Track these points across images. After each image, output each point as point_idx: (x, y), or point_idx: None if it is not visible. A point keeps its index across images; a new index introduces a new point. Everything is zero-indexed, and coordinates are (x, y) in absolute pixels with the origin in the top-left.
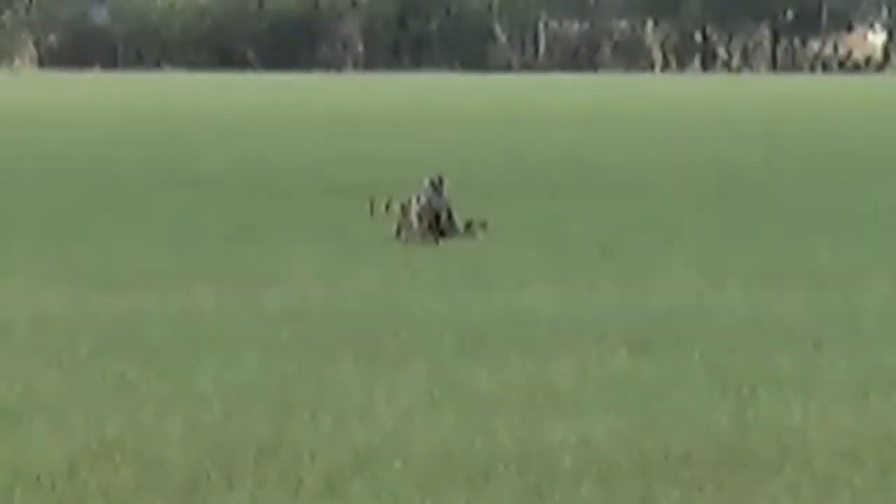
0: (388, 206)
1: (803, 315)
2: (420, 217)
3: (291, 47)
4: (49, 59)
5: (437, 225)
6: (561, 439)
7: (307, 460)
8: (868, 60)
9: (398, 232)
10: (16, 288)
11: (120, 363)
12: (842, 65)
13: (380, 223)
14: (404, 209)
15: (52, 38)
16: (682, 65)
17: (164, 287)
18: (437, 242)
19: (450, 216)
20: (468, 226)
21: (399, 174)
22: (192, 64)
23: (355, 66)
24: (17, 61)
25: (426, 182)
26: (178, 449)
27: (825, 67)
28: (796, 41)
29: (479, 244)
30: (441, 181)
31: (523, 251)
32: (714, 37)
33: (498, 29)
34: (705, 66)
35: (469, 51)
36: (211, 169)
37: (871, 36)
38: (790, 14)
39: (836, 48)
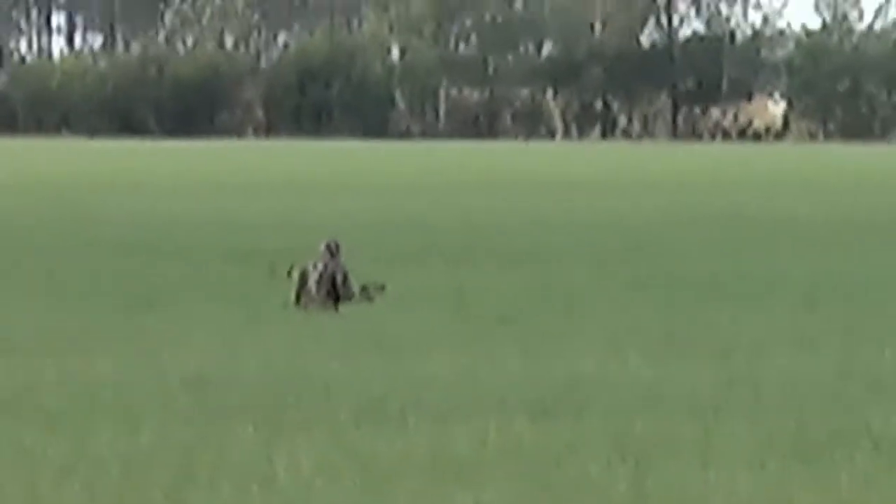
0: (289, 272)
1: (704, 383)
2: (319, 283)
3: (192, 114)
4: None
5: (335, 290)
6: None
7: None
8: (768, 129)
9: (297, 298)
10: None
11: (16, 428)
12: (742, 133)
13: (280, 288)
14: (303, 275)
15: None
16: (583, 133)
17: (63, 353)
18: (336, 308)
19: (345, 280)
20: (364, 289)
21: (299, 240)
22: (93, 130)
23: (256, 132)
24: None
25: (322, 247)
26: None
27: (725, 136)
28: (696, 109)
29: (379, 310)
30: (337, 246)
31: (424, 318)
32: (615, 105)
33: (399, 96)
34: (605, 134)
35: (370, 118)
36: (111, 233)
37: (771, 105)
38: (690, 83)
39: (736, 117)
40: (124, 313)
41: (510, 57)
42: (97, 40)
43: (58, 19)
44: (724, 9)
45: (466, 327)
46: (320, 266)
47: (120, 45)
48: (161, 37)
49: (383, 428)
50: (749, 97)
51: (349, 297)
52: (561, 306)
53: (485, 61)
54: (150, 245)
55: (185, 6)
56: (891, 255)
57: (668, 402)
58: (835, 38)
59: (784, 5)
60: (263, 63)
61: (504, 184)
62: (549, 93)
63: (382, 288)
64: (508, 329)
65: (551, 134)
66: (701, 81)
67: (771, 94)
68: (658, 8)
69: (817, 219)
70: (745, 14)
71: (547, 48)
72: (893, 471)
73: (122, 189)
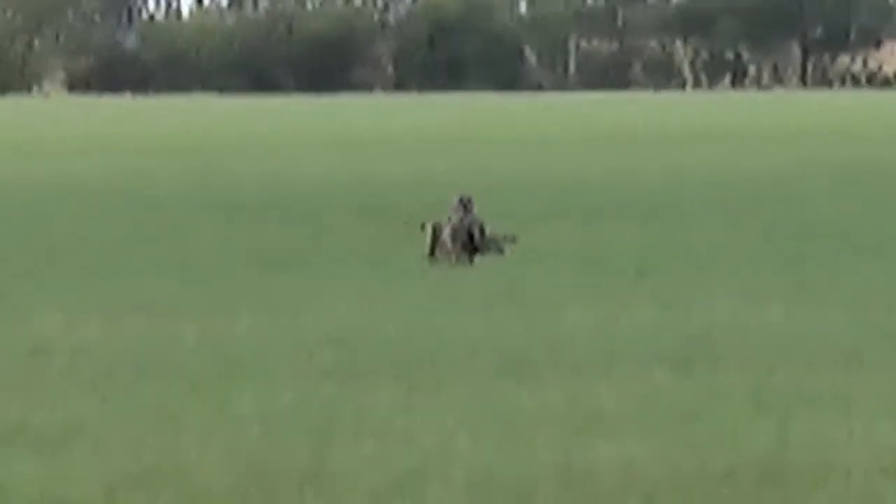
0: (422, 227)
1: (840, 334)
2: (454, 236)
3: (322, 70)
4: (79, 83)
5: (472, 243)
6: (603, 459)
7: (349, 484)
8: None
9: (432, 251)
10: (53, 319)
11: (158, 390)
12: (871, 79)
13: (414, 245)
14: (436, 229)
15: (83, 62)
16: (713, 82)
17: (201, 315)
18: (472, 262)
19: (482, 232)
20: (495, 241)
21: (431, 196)
22: (224, 88)
23: (386, 87)
24: (46, 86)
25: (455, 201)
26: (219, 474)
27: (855, 82)
28: (825, 57)
29: (514, 265)
30: (470, 200)
31: (559, 272)
32: (744, 54)
33: (528, 50)
34: (735, 84)
35: (500, 71)
36: (244, 194)
37: None
38: (819, 30)
39: (865, 63)
40: (260, 274)
41: (639, 7)
42: None
43: None
44: None
45: (601, 281)
46: (454, 219)
47: (248, 2)
48: None
49: (522, 382)
50: (878, 44)
51: (486, 249)
52: (694, 259)
53: (614, 12)
54: (283, 205)
55: None
56: None
57: (806, 353)
58: None
59: None
60: (392, 18)
61: (635, 136)
62: (679, 43)
63: (514, 240)
64: (643, 282)
65: (682, 84)
66: (830, 29)
67: None
68: None
69: None
70: None
71: None
72: None
73: (254, 149)
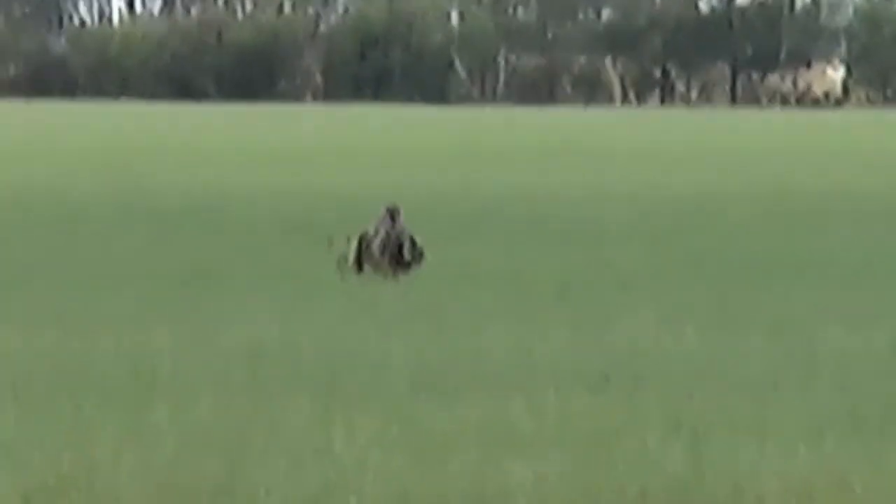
0: (348, 240)
1: (758, 358)
2: (383, 248)
3: (250, 79)
4: (6, 88)
5: (400, 255)
6: (517, 479)
7: (262, 498)
8: (827, 95)
9: (359, 263)
10: None
11: (74, 402)
12: (801, 100)
13: (337, 259)
14: (363, 240)
15: (11, 68)
16: (642, 99)
17: (118, 327)
18: (400, 273)
19: (413, 245)
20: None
21: (355, 211)
22: (152, 95)
23: (314, 98)
24: None
25: (383, 211)
26: (133, 487)
27: (784, 102)
28: (755, 76)
29: (435, 282)
30: (398, 210)
31: (480, 290)
32: (673, 72)
33: (458, 63)
34: (664, 101)
35: (429, 84)
36: (166, 204)
37: (830, 71)
38: (749, 49)
39: (794, 83)
40: (179, 286)
41: (569, 23)
42: (157, 4)
43: None
44: None
45: (521, 300)
46: (382, 231)
47: (179, 10)
48: (220, 1)
49: (439, 400)
50: (808, 64)
51: (415, 260)
52: (615, 280)
53: (544, 27)
54: (205, 217)
55: None
56: None
57: (724, 377)
58: (894, 3)
59: None
60: (322, 28)
61: (562, 152)
62: (608, 59)
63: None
64: (563, 302)
65: (610, 100)
66: (759, 48)
67: (830, 61)
68: None
69: (874, 191)
70: None
71: (606, 14)
72: None
73: (179, 157)
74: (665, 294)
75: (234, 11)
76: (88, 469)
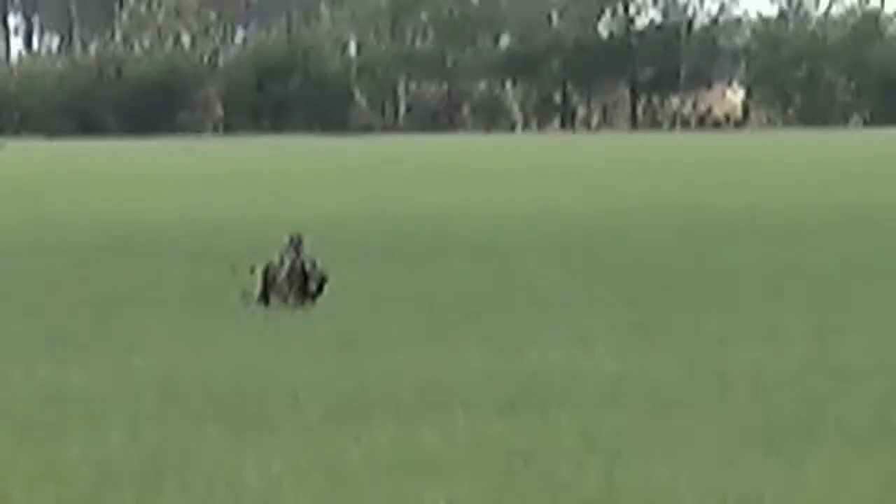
0: (252, 270)
1: (670, 377)
2: (289, 278)
3: (151, 113)
4: None
5: (306, 285)
6: (430, 502)
7: None
8: (728, 117)
9: (264, 296)
10: None
11: None
12: (702, 122)
13: (243, 287)
14: (268, 271)
15: None
16: (542, 124)
17: (29, 357)
18: (305, 303)
19: (314, 266)
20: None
21: (260, 238)
22: (53, 132)
23: (215, 130)
24: None
25: (286, 240)
26: None
27: (685, 124)
28: (655, 99)
29: (344, 308)
30: (301, 239)
31: (389, 315)
32: (573, 96)
33: (357, 91)
34: (565, 125)
35: (329, 113)
36: (72, 237)
37: (729, 93)
38: (649, 72)
39: (695, 105)
40: (89, 317)
41: (468, 50)
42: (54, 41)
43: (14, 21)
44: None
45: (432, 323)
46: (287, 261)
47: (77, 46)
48: (118, 37)
49: (350, 426)
50: (708, 85)
51: (320, 289)
52: (526, 302)
53: (442, 55)
54: (112, 247)
55: (141, 5)
56: (853, 243)
57: (635, 396)
58: (791, 25)
59: None
60: (221, 61)
61: (466, 178)
62: (508, 85)
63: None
64: (474, 324)
65: (511, 126)
66: (659, 70)
67: (730, 83)
68: None
69: (779, 208)
70: (701, 2)
71: (504, 41)
72: (862, 463)
73: (82, 190)
74: (576, 314)
75: (132, 47)
76: (3, 502)
